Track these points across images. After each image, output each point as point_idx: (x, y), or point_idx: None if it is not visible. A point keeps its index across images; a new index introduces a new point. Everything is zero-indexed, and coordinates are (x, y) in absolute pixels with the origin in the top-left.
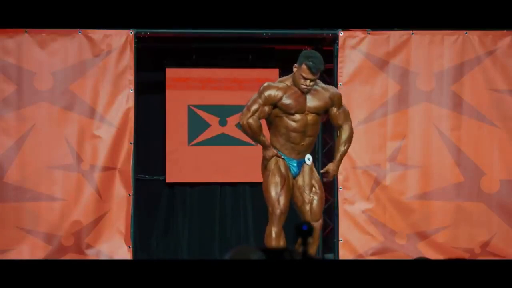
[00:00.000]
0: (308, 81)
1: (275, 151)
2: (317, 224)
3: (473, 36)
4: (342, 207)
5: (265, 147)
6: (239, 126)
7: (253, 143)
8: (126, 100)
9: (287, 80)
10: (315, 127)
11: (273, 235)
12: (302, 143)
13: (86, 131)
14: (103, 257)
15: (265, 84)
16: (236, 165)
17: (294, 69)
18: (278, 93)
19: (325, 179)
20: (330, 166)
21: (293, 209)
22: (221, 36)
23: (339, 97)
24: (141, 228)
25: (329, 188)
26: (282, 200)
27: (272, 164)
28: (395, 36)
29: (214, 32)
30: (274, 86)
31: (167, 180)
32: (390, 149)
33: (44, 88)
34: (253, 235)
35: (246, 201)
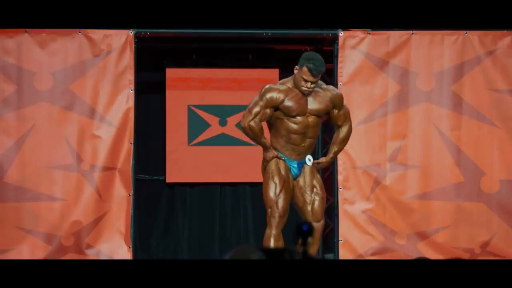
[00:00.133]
0: (309, 83)
1: (275, 153)
2: (318, 225)
3: (473, 36)
4: (342, 207)
5: (265, 149)
6: (240, 127)
7: (253, 143)
8: (126, 100)
9: (288, 82)
10: (316, 129)
11: (272, 238)
12: (303, 145)
13: (86, 131)
14: (103, 257)
15: (267, 86)
16: (236, 165)
17: (295, 71)
18: (280, 96)
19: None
20: (323, 159)
21: (293, 209)
22: (221, 36)
23: (340, 99)
24: (141, 228)
25: (329, 188)
26: (281, 202)
27: (272, 165)
28: (395, 36)
29: (214, 32)
30: (276, 88)
31: (167, 180)
32: (390, 149)
33: (44, 88)
34: (253, 235)
35: (246, 201)
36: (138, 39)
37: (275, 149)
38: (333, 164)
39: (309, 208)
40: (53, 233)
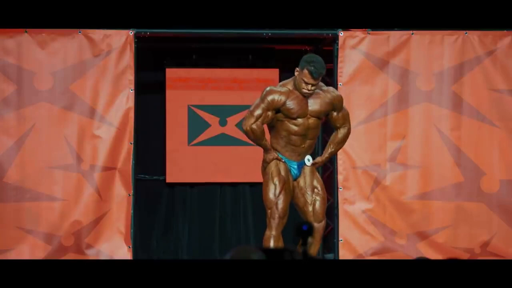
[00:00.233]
0: (310, 86)
1: (276, 154)
2: (320, 225)
3: (473, 36)
4: (342, 207)
5: (266, 150)
6: (242, 129)
7: (253, 143)
8: (126, 100)
9: (289, 84)
10: (316, 130)
11: (272, 239)
12: (303, 146)
13: (86, 131)
14: (103, 257)
15: (268, 88)
16: (236, 165)
17: (296, 73)
18: (281, 98)
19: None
20: (319, 159)
21: (294, 210)
22: (221, 36)
23: (340, 101)
24: (141, 228)
25: (329, 188)
26: (280, 204)
27: (271, 167)
28: (395, 36)
29: (214, 32)
30: (277, 90)
31: (167, 180)
32: (390, 149)
33: (44, 88)
34: (253, 235)
35: (246, 201)
36: (138, 39)
37: (275, 150)
38: (333, 164)
39: (310, 208)
40: (53, 233)
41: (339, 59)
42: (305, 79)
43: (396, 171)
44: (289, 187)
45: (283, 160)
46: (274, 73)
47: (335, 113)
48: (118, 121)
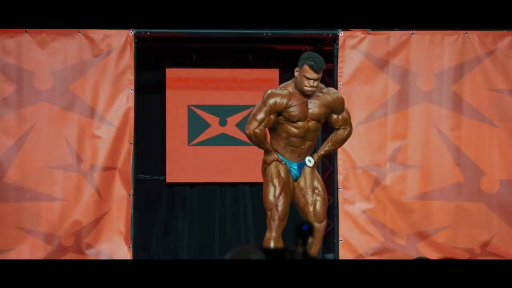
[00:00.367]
0: (312, 81)
1: (276, 156)
2: (320, 225)
3: (473, 36)
4: (342, 207)
5: (267, 152)
6: (245, 133)
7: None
8: (126, 100)
9: (289, 86)
10: (316, 133)
11: (272, 240)
12: (303, 147)
13: (86, 131)
14: (103, 257)
15: (269, 91)
16: (236, 165)
17: (296, 73)
18: (283, 101)
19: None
20: (315, 156)
21: (294, 211)
22: (221, 36)
23: (340, 103)
24: (141, 228)
25: (329, 188)
26: (280, 205)
27: (271, 168)
28: (395, 36)
29: (214, 32)
30: (279, 93)
31: (167, 180)
32: (390, 149)
33: (44, 88)
34: (253, 235)
35: (246, 201)
36: (138, 39)
37: (275, 150)
38: (333, 164)
39: (311, 209)
40: (53, 233)
41: (339, 59)
42: (307, 75)
43: (396, 171)
44: (289, 188)
45: (284, 162)
46: (274, 73)
47: (334, 116)
48: (118, 121)
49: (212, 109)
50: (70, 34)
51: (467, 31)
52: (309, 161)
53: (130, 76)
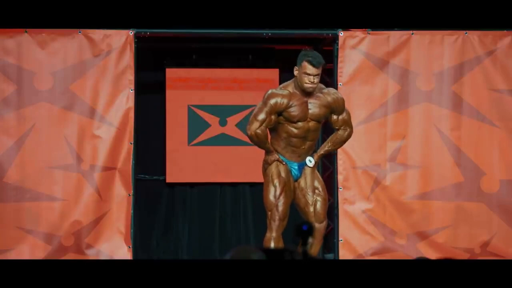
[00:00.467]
0: (312, 77)
1: (277, 156)
2: (321, 226)
3: (473, 36)
4: (342, 207)
5: (268, 152)
6: (246, 134)
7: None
8: (126, 100)
9: (289, 86)
10: (316, 133)
11: (272, 241)
12: (303, 147)
13: (86, 131)
14: (103, 257)
15: (269, 92)
16: (236, 165)
17: (295, 72)
18: (284, 101)
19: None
20: (315, 156)
21: (294, 211)
22: (221, 36)
23: (341, 104)
24: (141, 228)
25: (329, 188)
26: (281, 206)
27: (272, 168)
28: (395, 36)
29: (214, 32)
30: (279, 93)
31: (167, 180)
32: (390, 149)
33: (44, 88)
34: (253, 235)
35: (246, 201)
36: (138, 39)
37: (276, 150)
38: (333, 164)
39: (311, 209)
40: (53, 233)
41: (339, 59)
42: (307, 71)
43: (396, 171)
44: (290, 188)
45: (284, 163)
46: (274, 73)
47: (334, 116)
48: (118, 121)
49: (212, 109)
50: (70, 34)
51: (467, 31)
52: (310, 161)
53: (130, 76)
